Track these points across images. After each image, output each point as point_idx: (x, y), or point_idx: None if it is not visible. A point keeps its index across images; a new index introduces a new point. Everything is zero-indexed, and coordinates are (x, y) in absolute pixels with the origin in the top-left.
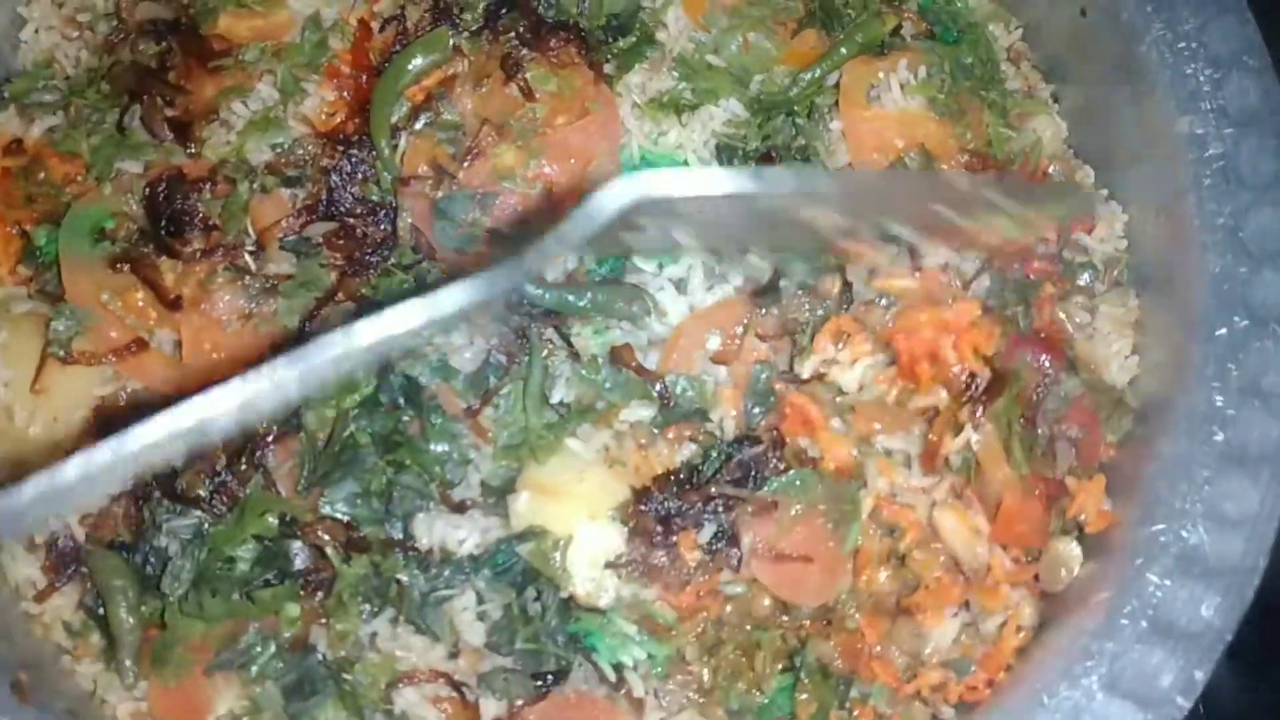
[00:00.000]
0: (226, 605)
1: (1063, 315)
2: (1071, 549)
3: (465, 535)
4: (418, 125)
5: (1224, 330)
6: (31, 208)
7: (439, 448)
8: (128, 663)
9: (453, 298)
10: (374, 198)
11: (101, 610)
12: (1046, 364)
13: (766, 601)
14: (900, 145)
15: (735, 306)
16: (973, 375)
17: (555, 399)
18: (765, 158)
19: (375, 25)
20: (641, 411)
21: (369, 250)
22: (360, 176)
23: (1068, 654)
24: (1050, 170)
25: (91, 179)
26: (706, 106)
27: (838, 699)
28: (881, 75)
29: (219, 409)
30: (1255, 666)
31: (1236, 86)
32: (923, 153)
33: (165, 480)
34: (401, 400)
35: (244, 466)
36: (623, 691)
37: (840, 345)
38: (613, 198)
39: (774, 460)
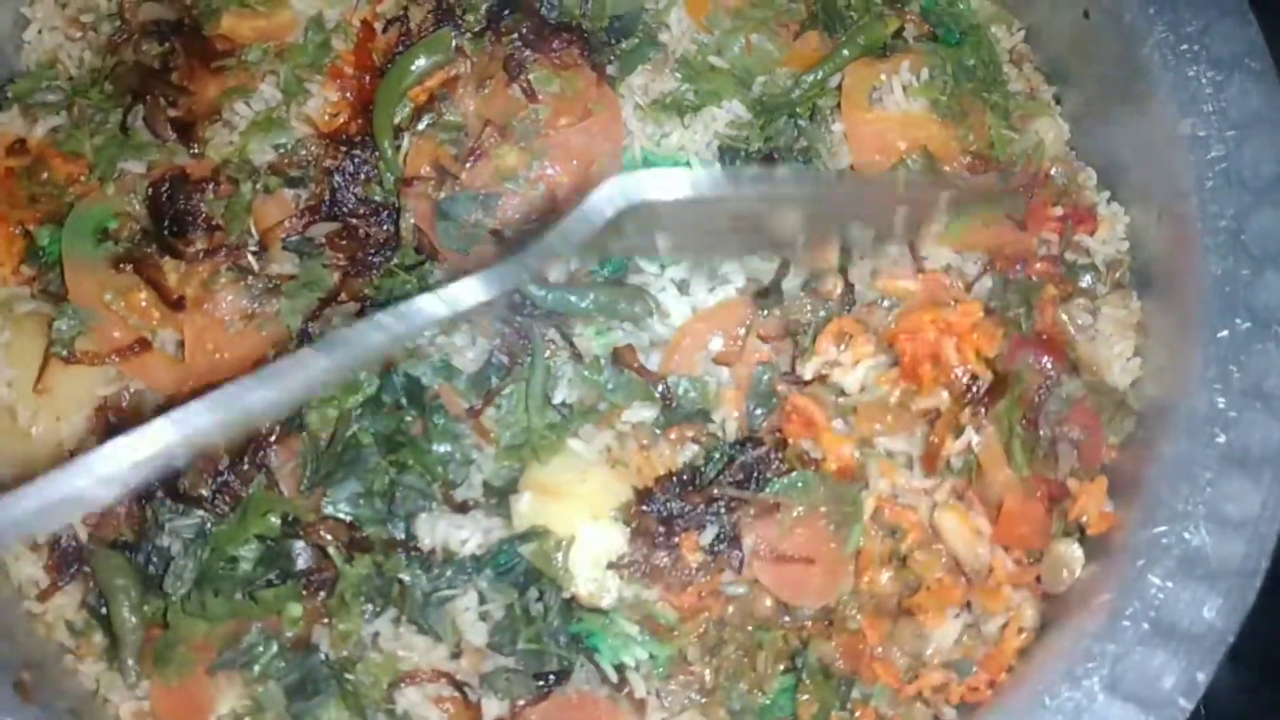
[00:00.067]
0: (229, 605)
1: (1065, 317)
2: (1073, 550)
3: (467, 535)
4: (420, 126)
5: (1226, 332)
6: (35, 208)
7: (441, 448)
8: (130, 662)
9: (460, 292)
10: (377, 198)
11: (104, 610)
12: (1048, 366)
13: (768, 602)
14: (902, 147)
15: (737, 308)
16: (974, 377)
17: (557, 399)
18: (767, 159)
19: (378, 26)
20: (643, 412)
21: (372, 251)
22: (363, 177)
23: (1069, 655)
24: (1052, 172)
25: (95, 179)
26: (709, 108)
27: (839, 699)
28: (884, 77)
29: (210, 421)
30: (1256, 667)
31: (1238, 89)
32: (925, 154)
33: (168, 480)
34: (404, 400)
35: (246, 466)
36: (625, 692)
37: (842, 347)
38: (605, 200)
39: (776, 461)
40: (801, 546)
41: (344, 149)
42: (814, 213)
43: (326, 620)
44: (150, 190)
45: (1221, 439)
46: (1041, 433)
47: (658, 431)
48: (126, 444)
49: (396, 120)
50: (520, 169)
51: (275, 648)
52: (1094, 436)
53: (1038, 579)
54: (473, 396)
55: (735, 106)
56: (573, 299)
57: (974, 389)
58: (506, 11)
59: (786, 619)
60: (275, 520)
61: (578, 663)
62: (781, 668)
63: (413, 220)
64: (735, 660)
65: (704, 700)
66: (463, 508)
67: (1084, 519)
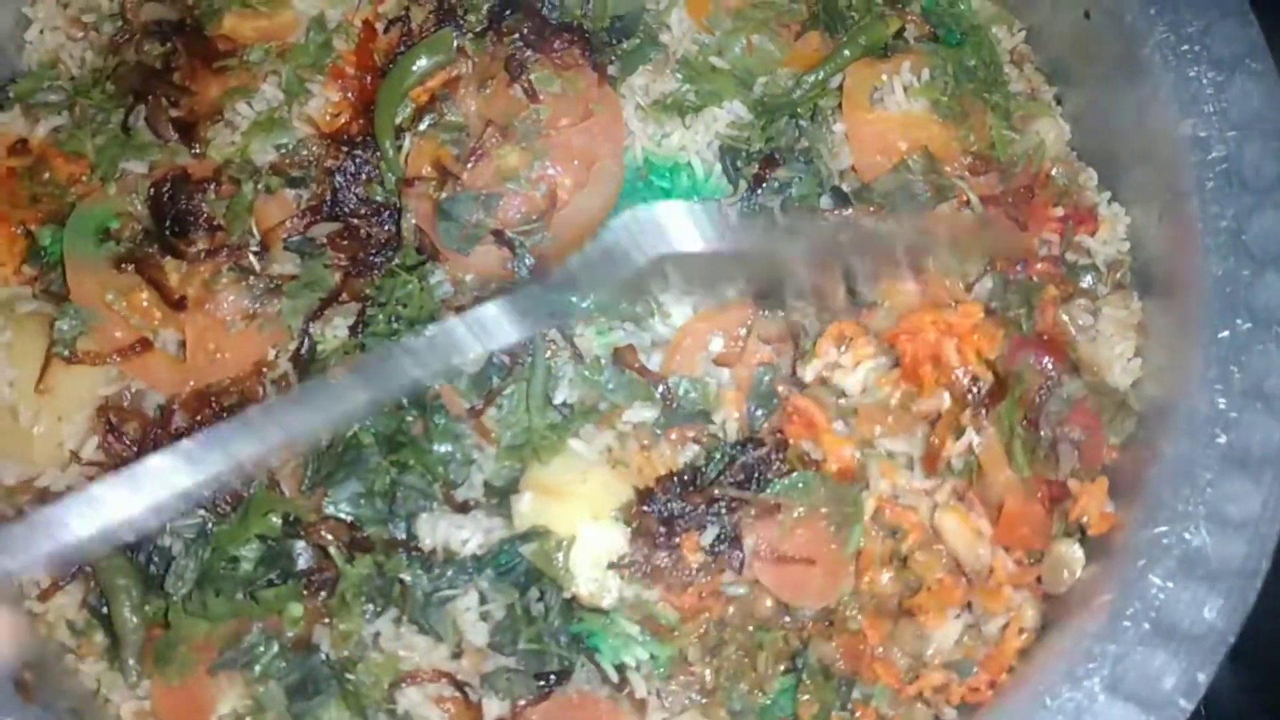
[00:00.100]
0: (230, 605)
1: (1065, 317)
2: (1074, 551)
3: (468, 535)
4: (422, 126)
5: (1226, 333)
6: (36, 208)
7: (442, 448)
8: (131, 662)
9: (488, 321)
10: (378, 198)
11: (105, 609)
12: (1049, 366)
13: (769, 602)
14: (903, 147)
15: (739, 309)
16: (975, 378)
17: (558, 400)
18: (768, 160)
19: (380, 26)
20: (644, 413)
21: (373, 251)
22: (364, 177)
23: (1070, 656)
24: (1053, 172)
25: (96, 179)
26: (710, 108)
27: (840, 700)
28: (885, 78)
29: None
30: (1257, 668)
31: (1239, 89)
32: (926, 155)
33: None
34: (405, 400)
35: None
36: (625, 692)
37: (843, 349)
38: (629, 241)
39: (777, 462)
40: (802, 547)
41: (345, 149)
42: (824, 253)
43: (327, 620)
44: (152, 190)
45: (1222, 439)
46: (1042, 433)
47: (658, 432)
48: (160, 468)
49: (398, 120)
50: (522, 169)
51: (276, 648)
52: (1095, 437)
53: (1038, 580)
54: (474, 396)
55: (736, 107)
56: (574, 299)
57: (975, 390)
58: (508, 12)
59: (787, 619)
60: (276, 520)
61: (578, 663)
62: (782, 668)
63: (414, 220)
64: (736, 660)
65: (704, 700)
66: (464, 508)
67: (1085, 519)
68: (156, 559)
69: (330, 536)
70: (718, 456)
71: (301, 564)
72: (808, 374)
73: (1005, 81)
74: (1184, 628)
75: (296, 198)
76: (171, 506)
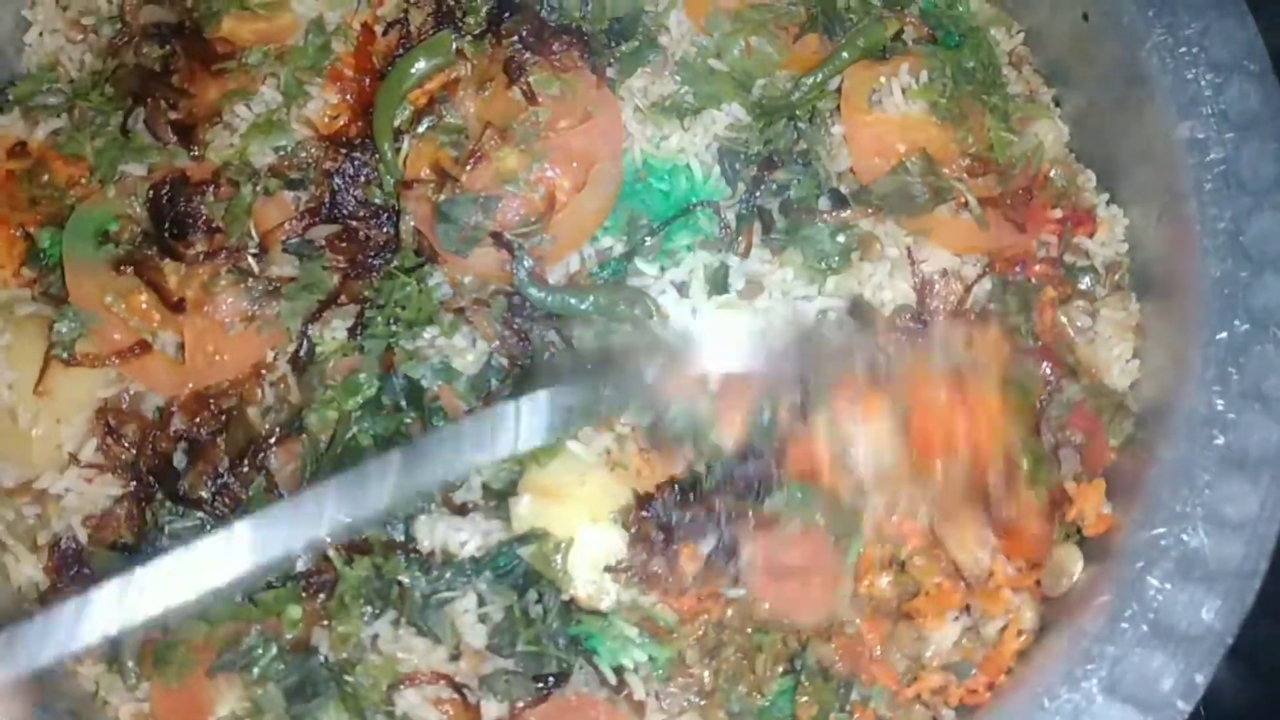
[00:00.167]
0: (228, 607)
1: (1064, 319)
2: (1073, 554)
3: (467, 537)
4: (420, 128)
5: (1225, 334)
6: (35, 210)
7: None
8: (130, 664)
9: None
10: (376, 201)
11: None
12: (1048, 372)
13: (766, 605)
14: (901, 149)
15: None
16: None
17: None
18: (767, 162)
19: (378, 29)
20: (643, 416)
21: (371, 253)
22: (363, 179)
23: (1068, 657)
24: (1052, 174)
25: (95, 182)
26: (709, 110)
27: (838, 701)
28: (883, 80)
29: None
30: (1257, 667)
31: (1237, 91)
32: (924, 157)
33: (168, 482)
34: (404, 402)
35: (246, 468)
36: (623, 694)
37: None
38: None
39: (776, 473)
40: (800, 560)
41: (344, 151)
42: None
43: (326, 622)
44: (151, 192)
45: (1220, 441)
46: (1044, 438)
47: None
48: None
49: (396, 123)
50: (520, 171)
51: (275, 650)
52: (1096, 440)
53: (1037, 582)
54: (472, 399)
55: (735, 109)
56: (572, 301)
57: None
58: (506, 14)
59: (786, 621)
60: None
61: (577, 665)
62: (780, 670)
63: (413, 223)
64: (734, 662)
65: (703, 702)
66: (462, 510)
67: (1081, 520)
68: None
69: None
70: (718, 466)
71: (300, 566)
72: (815, 419)
73: (1004, 83)
74: (1182, 629)
75: (295, 200)
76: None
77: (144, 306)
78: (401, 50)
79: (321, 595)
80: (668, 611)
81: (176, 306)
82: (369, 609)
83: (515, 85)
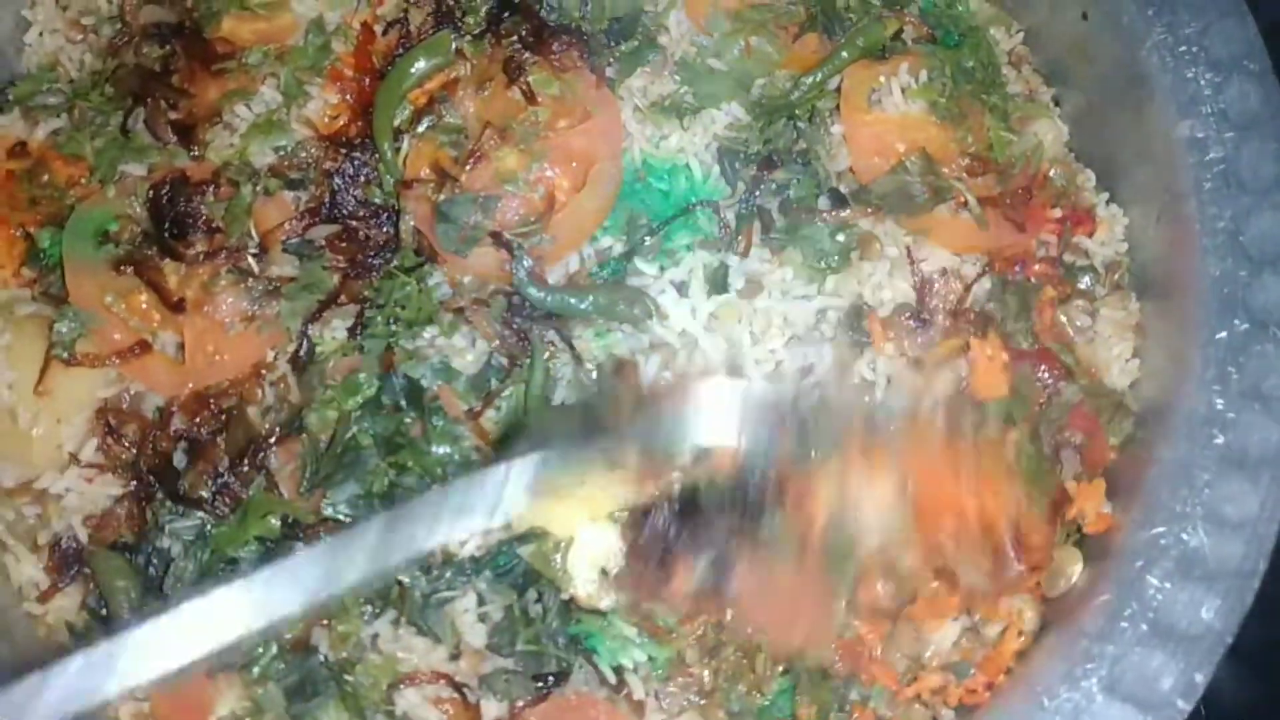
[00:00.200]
0: None
1: (1063, 319)
2: (1072, 555)
3: (466, 537)
4: (420, 128)
5: (1224, 334)
6: (35, 210)
7: (441, 449)
8: None
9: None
10: (376, 200)
11: (104, 611)
12: (1046, 375)
13: (750, 629)
14: (901, 149)
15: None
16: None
17: (557, 401)
18: (766, 161)
19: (378, 29)
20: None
21: (371, 253)
22: (363, 179)
23: (1068, 656)
24: (1051, 173)
25: (95, 182)
26: (708, 110)
27: (837, 701)
28: (882, 79)
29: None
30: (1257, 667)
31: (1237, 90)
32: (923, 156)
33: (168, 481)
34: (404, 402)
35: (246, 468)
36: (623, 694)
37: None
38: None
39: (773, 492)
40: (794, 583)
41: (344, 151)
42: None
43: (326, 622)
44: (151, 192)
45: (1220, 440)
46: (1044, 441)
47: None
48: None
49: (396, 123)
50: (520, 171)
51: (275, 649)
52: (1096, 440)
53: (1037, 583)
54: (472, 398)
55: (734, 109)
56: (572, 301)
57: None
58: (506, 14)
59: (777, 644)
60: (275, 522)
61: (576, 664)
62: (780, 669)
63: (412, 222)
64: (734, 662)
65: (703, 702)
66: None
67: (1082, 519)
68: (155, 561)
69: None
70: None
71: None
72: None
73: (1003, 83)
74: (1182, 628)
75: (295, 200)
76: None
77: (144, 306)
78: (401, 50)
79: None
80: (667, 611)
81: (176, 306)
82: (369, 608)
83: (515, 85)
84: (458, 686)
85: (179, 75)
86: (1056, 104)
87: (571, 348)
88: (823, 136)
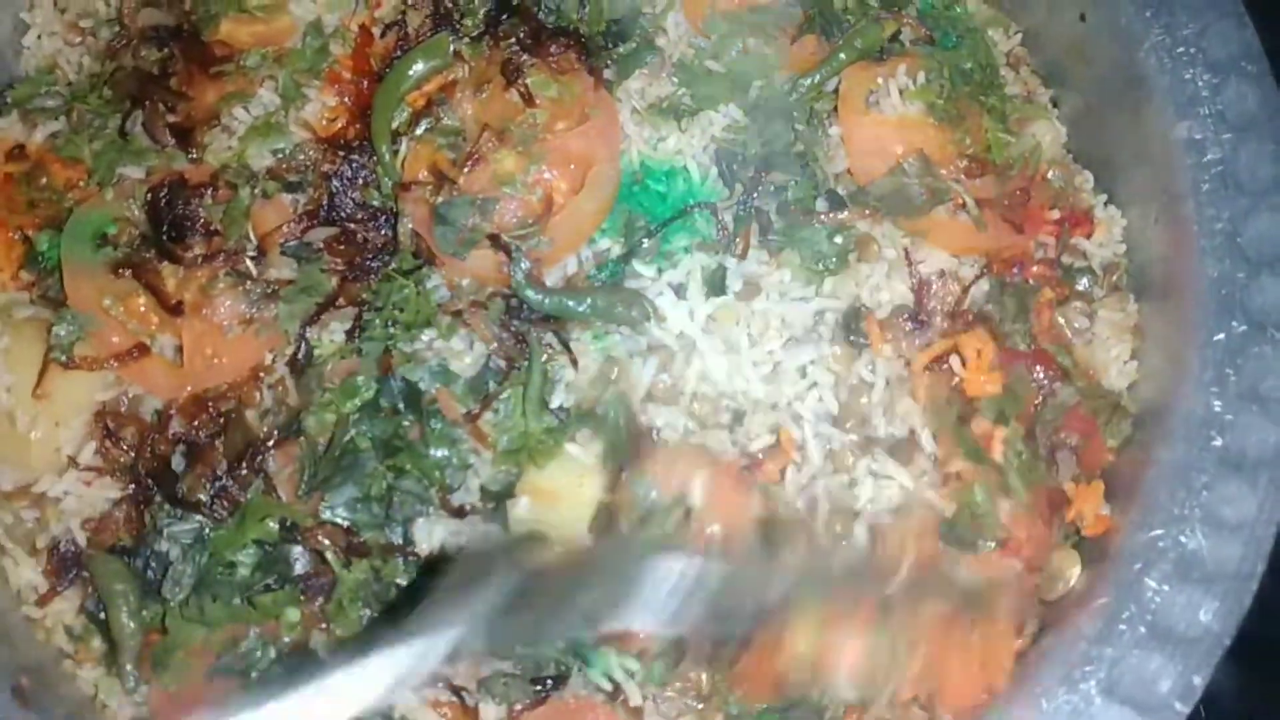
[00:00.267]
0: (227, 610)
1: (1062, 320)
2: (1070, 558)
3: (465, 540)
4: (418, 131)
5: (1222, 335)
6: (34, 213)
7: (439, 452)
8: (129, 667)
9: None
10: (375, 203)
11: (103, 615)
12: (1041, 376)
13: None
14: (899, 151)
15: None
16: None
17: (555, 404)
18: (764, 164)
19: (376, 31)
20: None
21: (370, 255)
22: (361, 182)
23: (1066, 659)
24: (1049, 175)
25: (93, 184)
26: (706, 112)
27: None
28: (880, 81)
29: None
30: (1256, 668)
31: (1235, 92)
32: (922, 158)
33: (166, 485)
34: (401, 405)
35: (245, 471)
36: (620, 699)
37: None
38: None
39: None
40: None
41: (342, 154)
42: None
43: (324, 625)
44: (149, 195)
45: (1218, 442)
46: (1040, 443)
47: None
48: None
49: (394, 125)
50: (518, 173)
51: (273, 652)
52: (1093, 441)
53: (1035, 586)
54: (470, 401)
55: (732, 110)
56: (570, 303)
57: None
58: (504, 16)
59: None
60: (273, 525)
61: (575, 668)
62: None
63: (410, 225)
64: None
65: (700, 705)
66: (460, 512)
67: (1080, 521)
68: (154, 564)
69: (327, 541)
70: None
71: (298, 569)
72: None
73: (1001, 84)
74: (1180, 631)
75: (293, 202)
76: None
77: (142, 309)
78: (399, 52)
79: (320, 598)
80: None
81: (175, 309)
82: (367, 611)
83: (513, 87)
84: (456, 690)
85: (177, 78)
86: (1055, 105)
87: (569, 350)
88: (821, 138)
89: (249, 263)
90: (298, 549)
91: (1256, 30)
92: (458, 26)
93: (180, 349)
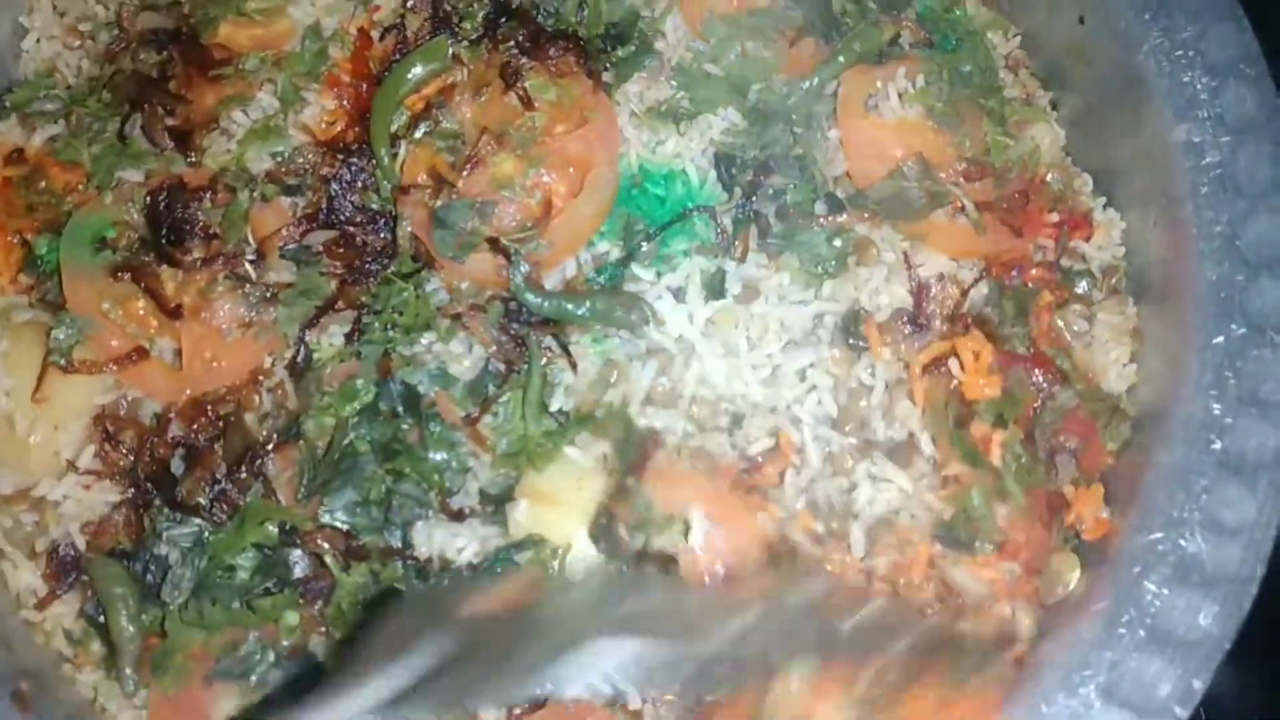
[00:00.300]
0: (226, 613)
1: (1061, 323)
2: (1070, 561)
3: (464, 543)
4: (417, 134)
5: (1221, 338)
6: (33, 217)
7: (438, 456)
8: (128, 671)
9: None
10: (374, 206)
11: (102, 618)
12: (1040, 379)
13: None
14: (898, 154)
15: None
16: None
17: (554, 407)
18: (763, 167)
19: (375, 34)
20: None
21: (369, 258)
22: (360, 185)
23: (1066, 663)
24: (1048, 178)
25: (92, 188)
26: (705, 115)
27: None
28: (880, 84)
29: None
30: (1255, 672)
31: (1234, 94)
32: (921, 161)
33: (166, 488)
34: (401, 408)
35: (244, 475)
36: (619, 703)
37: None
38: None
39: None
40: None
41: (341, 157)
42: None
43: (323, 629)
44: (148, 199)
45: (1217, 445)
46: (1039, 446)
47: None
48: None
49: (393, 128)
50: (517, 177)
51: (272, 656)
52: (1092, 444)
53: (1035, 590)
54: (469, 404)
55: (731, 114)
56: (569, 306)
57: None
58: (503, 19)
59: None
60: (273, 529)
61: None
62: None
63: (410, 228)
64: None
65: (700, 709)
66: (459, 516)
67: (1080, 525)
68: (153, 568)
69: (326, 545)
70: None
71: (298, 572)
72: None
73: (1000, 87)
74: (1179, 634)
75: (292, 206)
76: None
77: (141, 313)
78: (398, 56)
79: (319, 601)
80: None
81: (174, 313)
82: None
83: (511, 90)
84: None
85: (176, 81)
86: (1054, 108)
87: (568, 353)
88: (819, 141)
89: (248, 266)
90: (297, 552)
91: (1255, 33)
92: (456, 30)
93: (179, 352)
